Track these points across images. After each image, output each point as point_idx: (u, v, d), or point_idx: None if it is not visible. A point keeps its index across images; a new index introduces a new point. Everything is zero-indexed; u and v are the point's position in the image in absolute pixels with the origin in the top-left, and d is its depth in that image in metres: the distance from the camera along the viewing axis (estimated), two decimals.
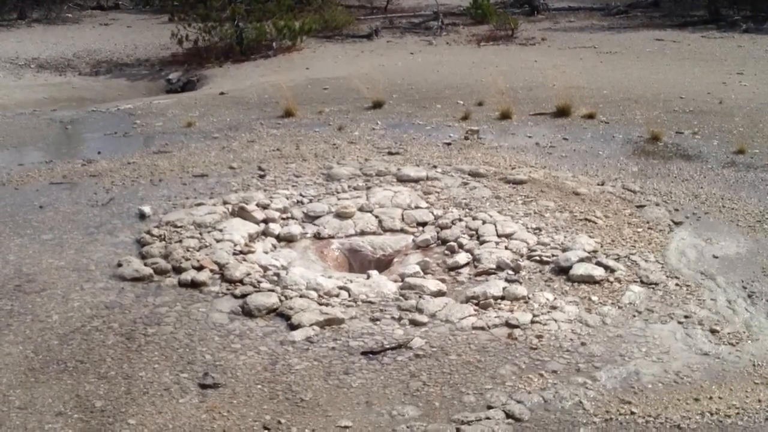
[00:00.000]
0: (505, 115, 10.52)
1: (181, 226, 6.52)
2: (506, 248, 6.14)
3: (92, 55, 17.90)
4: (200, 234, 6.39)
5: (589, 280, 5.56)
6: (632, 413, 4.05)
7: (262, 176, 7.93)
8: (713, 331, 4.90)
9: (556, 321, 5.01)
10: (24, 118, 11.51)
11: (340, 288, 5.55)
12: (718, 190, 7.52)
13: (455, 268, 5.95)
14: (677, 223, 6.66)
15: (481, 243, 6.26)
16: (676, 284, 5.54)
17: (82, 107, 12.86)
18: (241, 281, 5.63)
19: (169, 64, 17.10)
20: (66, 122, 11.21)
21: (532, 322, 5.01)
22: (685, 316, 5.08)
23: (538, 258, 5.96)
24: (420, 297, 5.37)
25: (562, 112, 10.59)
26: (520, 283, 5.57)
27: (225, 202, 7.07)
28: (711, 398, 4.20)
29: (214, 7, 17.48)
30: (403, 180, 7.66)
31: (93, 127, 11.04)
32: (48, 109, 12.69)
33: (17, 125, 10.90)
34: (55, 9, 23.50)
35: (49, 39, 19.55)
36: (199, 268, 5.77)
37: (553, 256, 5.96)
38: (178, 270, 5.79)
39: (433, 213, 6.91)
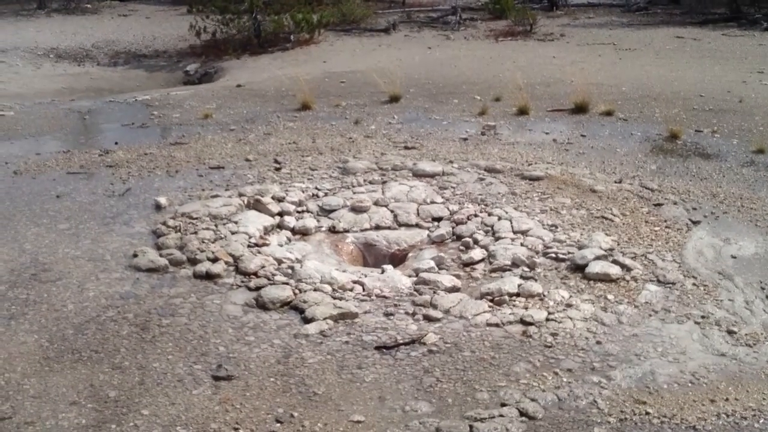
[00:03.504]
0: (522, 111, 10.48)
1: (196, 218, 6.54)
2: (522, 245, 6.10)
3: (111, 45, 18.00)
4: (215, 226, 6.39)
5: (606, 278, 5.51)
6: (647, 413, 4.02)
7: (278, 169, 7.93)
8: (730, 332, 4.84)
9: (571, 319, 4.97)
10: (42, 107, 11.59)
11: (355, 282, 5.55)
12: (737, 189, 7.44)
13: (470, 264, 5.92)
14: (695, 222, 6.60)
15: (497, 239, 6.23)
16: (694, 284, 5.49)
17: (100, 98, 12.93)
18: (255, 274, 5.63)
19: (186, 56, 17.16)
20: (84, 112, 11.27)
21: (547, 319, 4.97)
22: (702, 317, 5.03)
23: (553, 255, 5.92)
24: (434, 292, 5.35)
25: (580, 109, 10.54)
26: (536, 281, 5.53)
27: (241, 195, 7.07)
28: (727, 399, 4.15)
29: None
30: (418, 175, 7.63)
31: (110, 117, 11.09)
32: (66, 99, 12.78)
33: (35, 115, 10.97)
34: None
35: (68, 29, 19.66)
36: (214, 260, 5.78)
37: (569, 253, 5.91)
38: (193, 261, 5.80)
39: (448, 208, 6.88)
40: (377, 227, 6.64)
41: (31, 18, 21.42)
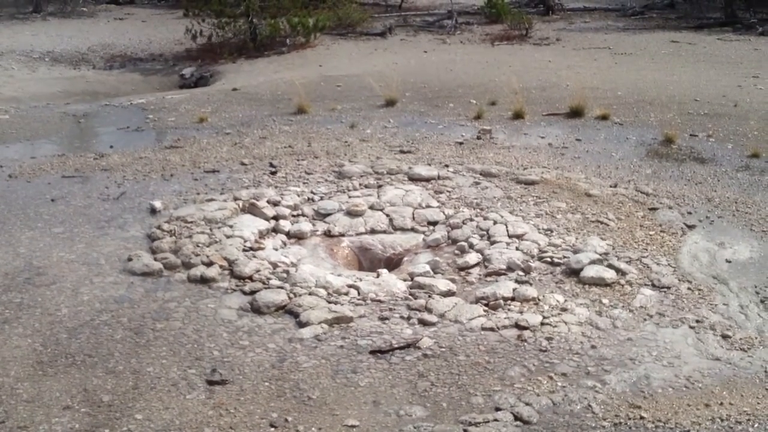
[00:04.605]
0: (518, 115, 10.49)
1: (191, 222, 6.53)
2: (517, 249, 6.10)
3: (106, 49, 17.96)
4: (210, 230, 6.38)
5: (601, 282, 5.52)
6: (642, 418, 4.02)
7: (273, 173, 7.92)
8: (725, 336, 4.85)
9: (566, 323, 4.97)
10: (38, 111, 11.56)
11: (350, 286, 5.54)
12: (731, 193, 7.45)
13: (465, 268, 5.92)
14: (690, 227, 6.60)
15: (492, 243, 6.23)
16: (688, 288, 5.49)
17: (96, 101, 12.90)
18: (250, 278, 5.62)
19: (182, 60, 17.13)
20: (79, 116, 11.25)
21: (542, 323, 4.97)
22: (697, 321, 5.03)
23: (548, 259, 5.92)
24: (429, 296, 5.35)
25: (576, 113, 10.55)
26: (531, 285, 5.53)
27: (236, 198, 7.06)
28: (722, 404, 4.16)
29: (229, 2, 17.50)
30: (414, 179, 7.63)
31: (106, 121, 11.07)
32: (61, 102, 12.75)
33: (31, 118, 10.94)
34: (70, 3, 23.62)
35: (64, 33, 19.62)
36: (209, 264, 5.77)
37: (564, 257, 5.92)
38: (187, 265, 5.79)
39: (444, 212, 6.88)
40: (373, 231, 6.64)
41: (27, 21, 21.38)
